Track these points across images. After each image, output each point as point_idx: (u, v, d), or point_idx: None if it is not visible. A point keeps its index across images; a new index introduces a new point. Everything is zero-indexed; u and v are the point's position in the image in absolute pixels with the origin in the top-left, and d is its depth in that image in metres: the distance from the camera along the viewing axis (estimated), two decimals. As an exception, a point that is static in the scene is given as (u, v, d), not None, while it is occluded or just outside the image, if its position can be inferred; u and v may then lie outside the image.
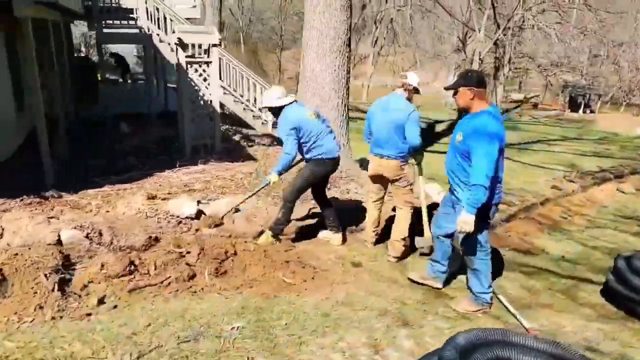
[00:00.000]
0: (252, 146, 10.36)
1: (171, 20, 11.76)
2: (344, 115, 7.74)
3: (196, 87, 9.14)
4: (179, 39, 8.76)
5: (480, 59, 30.25)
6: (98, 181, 7.10)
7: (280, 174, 5.02)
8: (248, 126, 12.48)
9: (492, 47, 31.26)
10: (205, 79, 9.12)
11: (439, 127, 15.54)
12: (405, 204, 5.12)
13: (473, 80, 3.75)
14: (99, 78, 15.74)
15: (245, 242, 4.62)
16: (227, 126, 12.05)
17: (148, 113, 12.84)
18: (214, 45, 8.97)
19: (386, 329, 3.71)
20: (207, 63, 9.04)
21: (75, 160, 9.23)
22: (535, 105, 37.17)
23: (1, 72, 8.68)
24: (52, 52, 9.55)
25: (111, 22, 12.33)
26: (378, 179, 5.16)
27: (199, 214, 5.42)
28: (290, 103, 4.96)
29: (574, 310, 4.58)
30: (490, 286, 4.17)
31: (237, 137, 11.16)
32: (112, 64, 20.52)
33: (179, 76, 9.28)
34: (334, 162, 5.14)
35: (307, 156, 5.05)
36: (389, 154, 4.91)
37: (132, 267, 3.87)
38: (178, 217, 5.32)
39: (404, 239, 5.12)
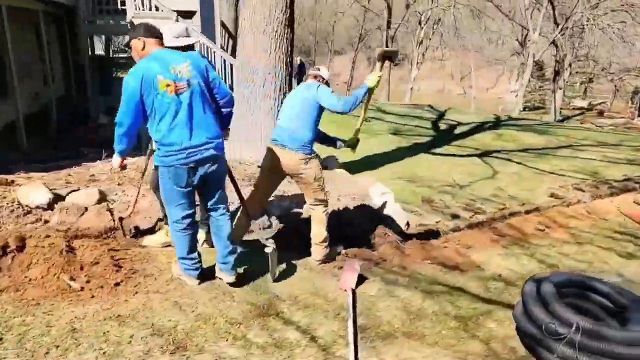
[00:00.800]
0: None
1: (157, 9, 11.28)
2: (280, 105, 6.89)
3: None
4: (131, 22, 8.25)
5: (534, 61, 28.19)
6: (11, 168, 6.67)
7: None
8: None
9: (551, 49, 29.06)
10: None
11: (458, 129, 14.19)
12: (317, 202, 4.47)
13: (140, 30, 3.47)
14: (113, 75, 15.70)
15: (48, 236, 3.86)
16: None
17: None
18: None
19: (144, 354, 2.85)
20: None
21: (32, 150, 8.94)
22: (601, 113, 34.45)
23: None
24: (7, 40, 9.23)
25: (100, 12, 12.03)
26: (275, 172, 4.41)
27: (52, 203, 4.76)
28: None
29: (453, 345, 3.50)
30: (186, 259, 3.69)
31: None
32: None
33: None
34: None
35: None
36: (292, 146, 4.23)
37: None
38: (27, 206, 4.69)
39: (324, 241, 4.49)
